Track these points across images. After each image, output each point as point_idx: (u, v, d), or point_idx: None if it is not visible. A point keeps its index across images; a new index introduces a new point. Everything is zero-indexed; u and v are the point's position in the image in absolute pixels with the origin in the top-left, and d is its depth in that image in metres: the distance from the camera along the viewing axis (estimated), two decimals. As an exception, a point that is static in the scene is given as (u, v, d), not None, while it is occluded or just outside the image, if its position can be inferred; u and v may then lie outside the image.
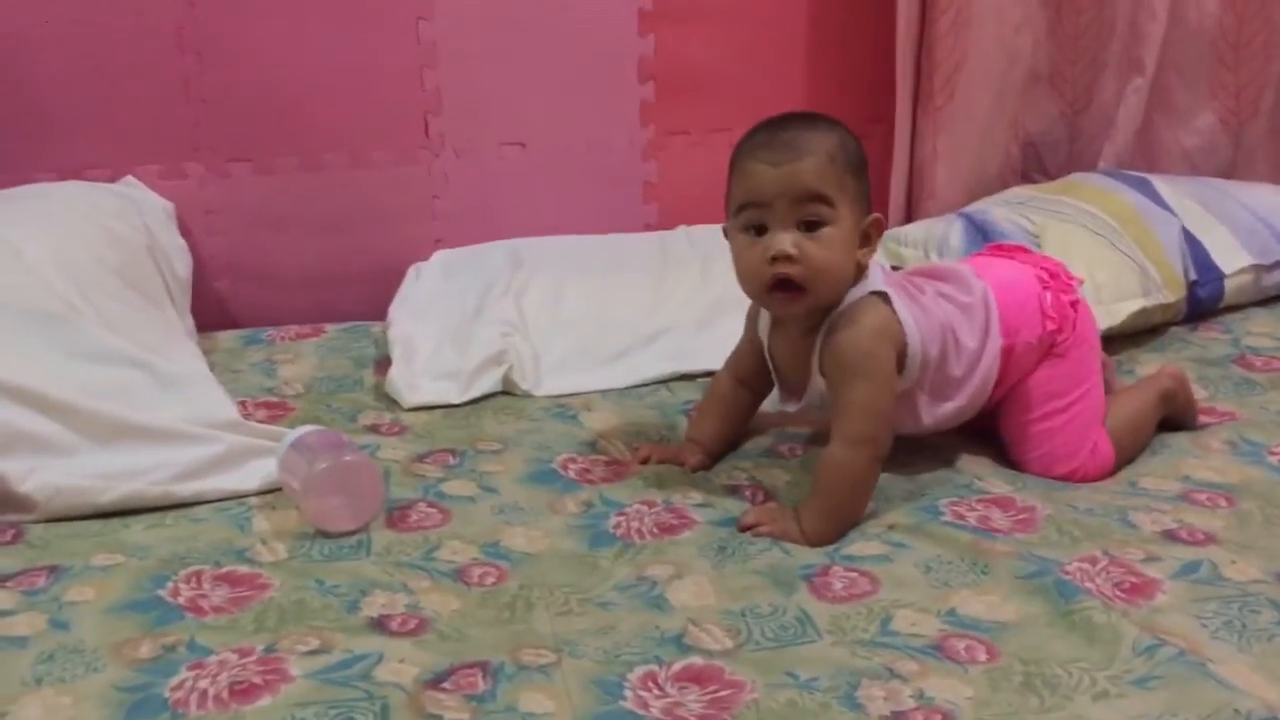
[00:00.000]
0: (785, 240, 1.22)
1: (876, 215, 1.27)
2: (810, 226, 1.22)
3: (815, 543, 1.20)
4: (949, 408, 1.34)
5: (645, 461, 1.39)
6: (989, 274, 1.38)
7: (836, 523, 1.23)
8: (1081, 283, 1.41)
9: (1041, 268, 1.40)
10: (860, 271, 1.27)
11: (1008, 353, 1.34)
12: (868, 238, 1.26)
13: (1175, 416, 1.46)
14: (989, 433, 1.41)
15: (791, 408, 1.37)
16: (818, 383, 1.30)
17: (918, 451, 1.38)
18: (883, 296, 1.27)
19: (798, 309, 1.26)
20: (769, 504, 1.30)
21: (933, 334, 1.29)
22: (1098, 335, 1.43)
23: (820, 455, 1.26)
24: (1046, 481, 1.34)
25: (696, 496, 1.31)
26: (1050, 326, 1.35)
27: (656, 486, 1.34)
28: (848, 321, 1.25)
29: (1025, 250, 1.47)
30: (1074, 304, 1.37)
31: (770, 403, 1.44)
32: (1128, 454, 1.39)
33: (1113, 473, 1.36)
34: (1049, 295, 1.36)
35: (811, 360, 1.29)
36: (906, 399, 1.30)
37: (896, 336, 1.26)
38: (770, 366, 1.38)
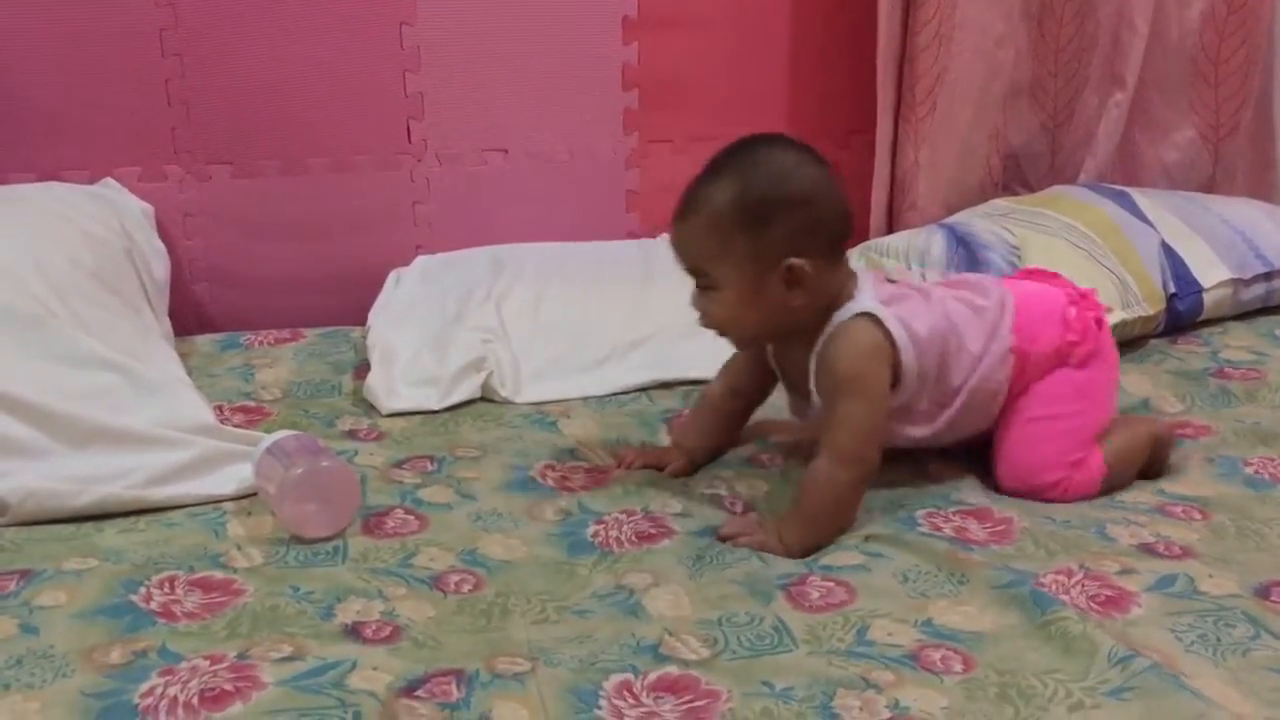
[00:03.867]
0: (693, 300, 1.28)
1: (791, 261, 1.21)
2: (704, 287, 1.26)
3: (794, 555, 1.20)
4: (946, 415, 1.32)
5: (629, 466, 1.39)
6: (1016, 286, 1.38)
7: (817, 537, 1.22)
8: (1110, 310, 1.40)
9: (1073, 289, 1.39)
10: (842, 294, 1.26)
11: (1022, 358, 1.33)
12: (796, 279, 1.22)
13: (1148, 464, 1.41)
14: (974, 447, 1.40)
15: (800, 418, 1.36)
16: (817, 400, 1.29)
17: (896, 461, 1.37)
18: (870, 317, 1.25)
19: (740, 348, 1.36)
20: (749, 514, 1.29)
21: (930, 345, 1.27)
22: (1118, 367, 1.41)
23: (807, 469, 1.26)
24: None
25: (675, 506, 1.31)
26: (1070, 338, 1.34)
27: (635, 495, 1.33)
28: (835, 344, 1.25)
29: (1058, 276, 1.45)
30: (1099, 321, 1.36)
31: (763, 411, 1.44)
32: (1118, 480, 1.36)
33: (1098, 494, 1.34)
34: (1074, 310, 1.35)
35: (810, 378, 1.29)
36: (903, 410, 1.29)
37: (889, 354, 1.25)
38: (780, 376, 1.38)
